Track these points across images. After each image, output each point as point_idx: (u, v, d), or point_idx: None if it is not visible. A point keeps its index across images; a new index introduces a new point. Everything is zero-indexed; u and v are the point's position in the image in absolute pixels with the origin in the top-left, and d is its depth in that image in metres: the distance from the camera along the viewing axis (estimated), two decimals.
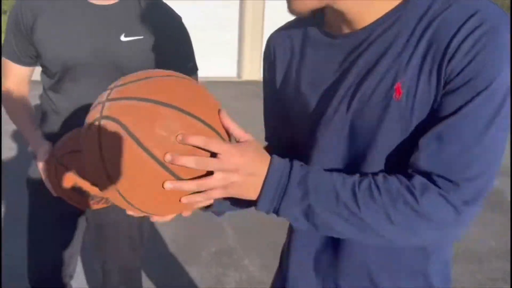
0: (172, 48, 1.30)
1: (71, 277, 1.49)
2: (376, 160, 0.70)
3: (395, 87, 0.65)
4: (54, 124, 1.31)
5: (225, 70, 8.07)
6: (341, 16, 0.70)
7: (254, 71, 7.97)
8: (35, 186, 1.35)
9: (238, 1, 7.89)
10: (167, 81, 0.69)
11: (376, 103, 0.67)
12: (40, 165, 1.20)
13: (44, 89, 1.34)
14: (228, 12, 7.88)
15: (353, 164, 0.72)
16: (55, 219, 1.37)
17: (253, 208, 0.72)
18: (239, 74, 8.22)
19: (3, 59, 1.32)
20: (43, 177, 1.19)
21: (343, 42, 0.72)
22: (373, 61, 0.68)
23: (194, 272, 2.37)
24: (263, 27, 7.95)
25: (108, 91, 0.67)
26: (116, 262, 1.45)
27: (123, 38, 1.24)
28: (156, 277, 2.31)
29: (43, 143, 1.23)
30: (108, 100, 0.65)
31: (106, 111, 0.64)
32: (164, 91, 0.65)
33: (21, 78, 1.34)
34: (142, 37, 1.25)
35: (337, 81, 0.73)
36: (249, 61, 8.03)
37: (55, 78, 1.27)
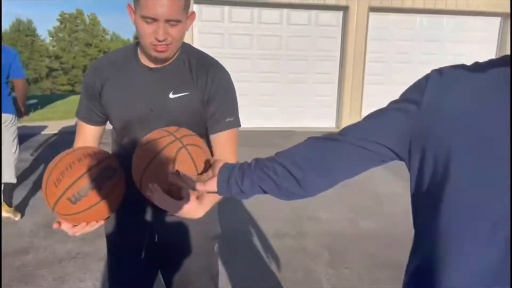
0: (215, 103, 1.43)
1: None
2: None
3: None
4: None
5: (324, 121, 8.21)
6: None
7: (352, 122, 7.97)
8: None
9: (338, 55, 8.09)
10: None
11: None
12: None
13: (112, 140, 1.56)
14: (329, 65, 8.11)
15: None
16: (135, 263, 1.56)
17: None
18: (337, 125, 8.29)
19: (77, 120, 1.55)
20: None
21: None
22: None
23: None
24: (363, 81, 8.01)
25: (173, 137, 1.22)
26: None
27: (171, 95, 1.41)
28: None
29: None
30: (181, 138, 1.22)
31: (185, 141, 1.21)
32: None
33: (91, 136, 1.54)
34: (187, 93, 1.41)
35: None
36: (348, 113, 8.08)
37: (118, 132, 1.50)
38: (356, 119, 7.96)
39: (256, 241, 3.43)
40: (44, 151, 6.31)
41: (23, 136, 6.73)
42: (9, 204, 3.79)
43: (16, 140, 3.88)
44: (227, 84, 1.46)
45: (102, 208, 1.24)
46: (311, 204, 4.18)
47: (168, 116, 1.41)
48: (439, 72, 0.83)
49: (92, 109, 1.49)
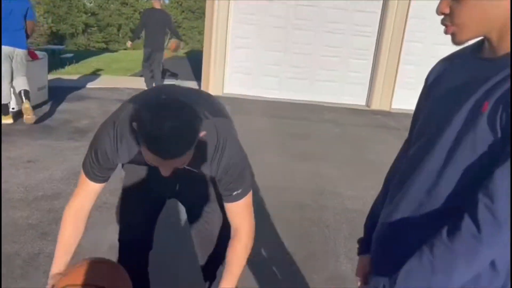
0: (221, 183, 1.52)
1: (149, 249, 1.89)
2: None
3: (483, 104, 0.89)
4: None
5: (355, 98, 8.08)
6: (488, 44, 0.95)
7: (383, 102, 7.84)
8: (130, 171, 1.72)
9: (376, 31, 7.87)
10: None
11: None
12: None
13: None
14: (365, 41, 7.91)
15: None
16: (144, 197, 1.68)
17: None
18: (368, 104, 8.14)
19: (81, 172, 1.57)
20: None
21: (484, 63, 0.94)
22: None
23: None
24: (398, 62, 7.79)
25: None
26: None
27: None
28: None
29: (56, 276, 1.50)
30: None
31: None
32: None
33: (94, 192, 1.59)
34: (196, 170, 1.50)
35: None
36: (380, 93, 7.92)
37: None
38: (387, 100, 7.82)
39: (276, 210, 3.47)
40: (80, 103, 6.45)
41: (59, 88, 6.89)
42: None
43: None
44: (229, 168, 1.50)
45: None
46: (334, 179, 4.18)
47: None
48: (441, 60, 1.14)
49: (101, 174, 1.53)
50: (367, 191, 3.92)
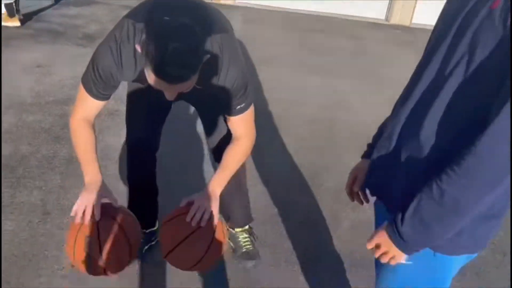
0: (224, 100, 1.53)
1: (156, 149, 1.93)
2: None
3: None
4: None
5: (375, 12, 7.68)
6: None
7: (404, 17, 7.45)
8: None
9: None
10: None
11: None
12: (80, 202, 1.46)
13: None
14: None
15: None
16: (150, 101, 1.66)
17: None
18: (387, 18, 7.76)
19: (82, 88, 1.51)
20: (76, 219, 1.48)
21: None
22: None
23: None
24: None
25: None
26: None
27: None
28: (294, 234, 2.52)
29: (96, 185, 1.51)
30: None
31: None
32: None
33: (95, 108, 1.55)
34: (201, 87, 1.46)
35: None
36: (400, 5, 7.50)
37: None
38: (408, 13, 7.43)
39: (288, 124, 3.46)
40: (89, 7, 6.21)
41: None
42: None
43: None
44: (233, 84, 1.49)
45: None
46: (348, 94, 4.11)
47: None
48: None
49: (103, 90, 1.50)
50: (381, 107, 3.84)
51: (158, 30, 1.18)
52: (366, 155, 1.31)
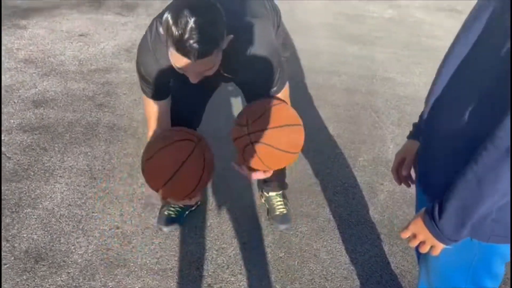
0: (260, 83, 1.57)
1: (197, 125, 1.95)
2: None
3: None
4: None
5: None
6: None
7: None
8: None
9: None
10: (275, 110, 1.51)
11: None
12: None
13: None
14: None
15: None
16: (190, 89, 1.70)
17: None
18: None
19: (143, 97, 1.62)
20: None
21: None
22: None
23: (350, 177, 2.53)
24: None
25: (244, 126, 1.48)
26: None
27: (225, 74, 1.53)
28: (315, 167, 2.54)
29: None
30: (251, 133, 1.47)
31: (254, 139, 1.46)
32: (277, 119, 1.48)
33: (161, 112, 1.61)
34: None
35: None
36: None
37: None
38: None
39: (324, 93, 3.43)
40: None
41: None
42: None
43: None
44: (275, 67, 1.51)
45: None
46: (387, 64, 4.02)
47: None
48: None
49: (157, 89, 1.57)
50: (420, 77, 3.77)
51: (178, 6, 1.21)
52: (413, 135, 1.27)
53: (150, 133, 1.68)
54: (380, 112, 3.18)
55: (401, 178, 1.28)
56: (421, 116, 1.19)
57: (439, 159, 1.01)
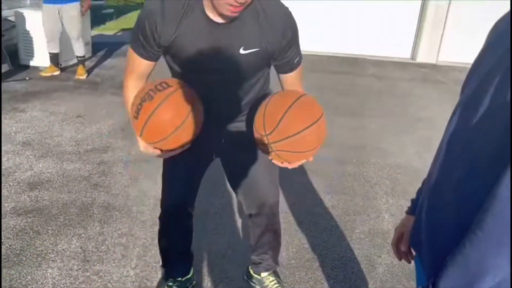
0: (284, 53, 1.51)
1: (192, 207, 1.89)
2: None
3: None
4: None
5: (400, 51, 7.75)
6: None
7: (429, 55, 7.49)
8: None
9: None
10: (292, 114, 1.40)
11: None
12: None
13: (172, 75, 1.63)
14: None
15: None
16: (189, 161, 1.70)
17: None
18: (413, 56, 7.81)
19: (130, 51, 1.53)
20: None
21: None
22: None
23: (344, 248, 2.50)
24: (446, 15, 7.34)
25: (264, 136, 1.40)
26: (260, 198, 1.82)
27: (241, 51, 1.45)
28: (309, 244, 2.51)
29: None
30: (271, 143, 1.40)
31: (276, 148, 1.41)
32: (295, 126, 1.40)
33: (146, 70, 1.56)
34: (258, 49, 1.46)
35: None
36: (427, 44, 7.55)
37: (184, 74, 1.55)
38: (434, 52, 7.46)
39: (317, 165, 3.48)
40: (124, 58, 6.55)
41: (101, 44, 7.00)
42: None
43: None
44: (296, 31, 1.50)
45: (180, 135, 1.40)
46: (377, 134, 4.12)
47: (235, 71, 1.51)
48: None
49: (148, 47, 1.49)
50: (410, 146, 3.85)
51: None
52: (410, 210, 1.28)
53: (126, 79, 1.60)
54: (372, 183, 3.21)
55: (401, 253, 1.28)
56: (418, 193, 1.21)
57: (429, 235, 1.02)
